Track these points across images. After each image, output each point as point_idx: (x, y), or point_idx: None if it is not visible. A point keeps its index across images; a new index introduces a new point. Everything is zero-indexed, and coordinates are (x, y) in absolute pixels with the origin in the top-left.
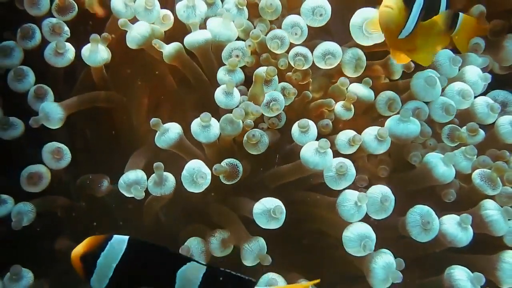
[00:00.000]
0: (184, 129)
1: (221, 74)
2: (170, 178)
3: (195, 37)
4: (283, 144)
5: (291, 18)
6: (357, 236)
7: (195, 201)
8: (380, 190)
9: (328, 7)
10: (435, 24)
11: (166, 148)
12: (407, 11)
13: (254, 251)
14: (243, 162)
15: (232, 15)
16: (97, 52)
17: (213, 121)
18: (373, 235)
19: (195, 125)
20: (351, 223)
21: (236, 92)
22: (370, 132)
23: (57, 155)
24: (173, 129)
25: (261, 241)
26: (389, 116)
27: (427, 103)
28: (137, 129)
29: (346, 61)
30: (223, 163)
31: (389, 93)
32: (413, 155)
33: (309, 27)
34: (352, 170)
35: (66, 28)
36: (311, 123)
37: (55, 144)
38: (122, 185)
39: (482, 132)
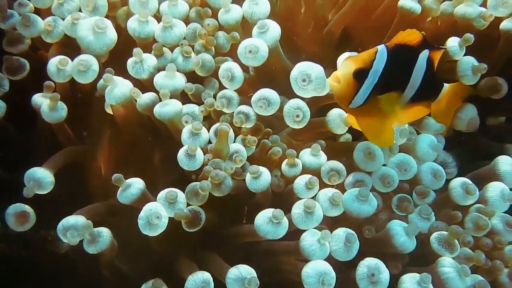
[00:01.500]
0: (151, 181)
1: (185, 136)
2: (104, 232)
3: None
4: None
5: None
6: (316, 272)
7: (162, 254)
8: (345, 231)
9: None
10: (391, 100)
11: (128, 204)
12: (357, 84)
13: None
14: (211, 214)
15: (178, 63)
16: (56, 110)
17: (180, 195)
18: (333, 273)
19: (161, 199)
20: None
21: (199, 154)
22: (326, 193)
23: (22, 218)
24: (135, 185)
25: None
26: None
27: None
28: (106, 181)
29: (285, 112)
30: (186, 209)
31: (332, 164)
32: (366, 228)
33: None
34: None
35: None
36: (262, 169)
37: (20, 207)
38: (59, 228)
39: (432, 193)
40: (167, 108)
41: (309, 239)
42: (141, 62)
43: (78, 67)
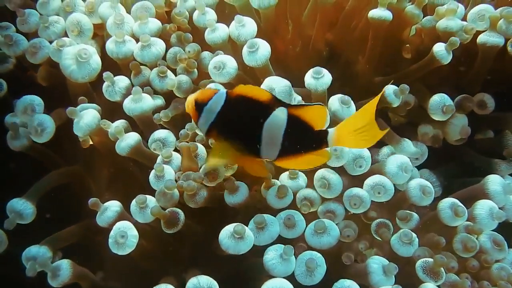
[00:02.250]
0: None
1: (152, 177)
2: (64, 265)
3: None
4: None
5: None
6: None
7: (151, 272)
8: (311, 253)
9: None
10: (222, 147)
11: (107, 227)
12: (197, 113)
13: None
14: (198, 227)
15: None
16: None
17: (149, 199)
18: None
19: (133, 206)
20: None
21: (168, 173)
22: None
23: None
24: (112, 208)
25: None
26: None
27: None
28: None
29: None
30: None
31: (306, 192)
32: (344, 255)
33: None
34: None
35: None
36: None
37: None
38: (23, 256)
39: (415, 216)
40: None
41: (271, 254)
42: (113, 85)
43: None
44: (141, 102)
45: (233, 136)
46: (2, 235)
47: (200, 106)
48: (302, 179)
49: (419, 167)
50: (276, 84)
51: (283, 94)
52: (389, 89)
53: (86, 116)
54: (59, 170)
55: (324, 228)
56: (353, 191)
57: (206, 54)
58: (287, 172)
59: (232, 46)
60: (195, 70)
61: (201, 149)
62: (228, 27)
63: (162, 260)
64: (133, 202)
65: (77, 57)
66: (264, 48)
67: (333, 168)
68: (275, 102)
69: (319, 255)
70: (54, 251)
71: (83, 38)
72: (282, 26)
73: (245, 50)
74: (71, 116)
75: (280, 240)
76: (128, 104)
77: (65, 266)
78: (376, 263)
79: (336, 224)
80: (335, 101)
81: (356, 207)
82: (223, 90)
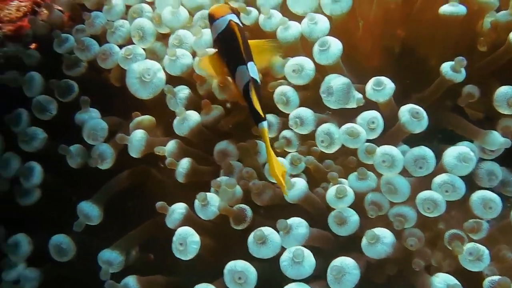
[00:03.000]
0: None
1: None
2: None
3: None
4: None
5: None
6: None
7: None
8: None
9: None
10: None
11: (175, 229)
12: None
13: None
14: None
15: None
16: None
17: (212, 198)
18: None
19: (196, 204)
20: None
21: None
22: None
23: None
24: (177, 210)
25: None
26: None
27: None
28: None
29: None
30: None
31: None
32: (415, 262)
33: None
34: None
35: None
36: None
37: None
38: (98, 258)
39: (485, 225)
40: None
41: (285, 255)
42: (175, 96)
43: None
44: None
45: (224, 58)
46: (69, 243)
47: (211, 20)
48: (373, 179)
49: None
50: (334, 82)
51: (340, 92)
52: (445, 66)
53: (134, 137)
54: (126, 171)
55: (376, 238)
56: (426, 194)
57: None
58: (355, 173)
59: (303, 44)
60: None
61: (261, 145)
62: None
63: (227, 256)
64: (196, 199)
65: (141, 76)
66: (335, 46)
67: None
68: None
69: (349, 261)
70: (127, 251)
71: (145, 43)
72: (352, 23)
73: (316, 48)
74: (121, 142)
75: None
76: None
77: (132, 283)
78: (441, 282)
79: (404, 229)
80: (405, 113)
81: (430, 211)
82: (230, 16)
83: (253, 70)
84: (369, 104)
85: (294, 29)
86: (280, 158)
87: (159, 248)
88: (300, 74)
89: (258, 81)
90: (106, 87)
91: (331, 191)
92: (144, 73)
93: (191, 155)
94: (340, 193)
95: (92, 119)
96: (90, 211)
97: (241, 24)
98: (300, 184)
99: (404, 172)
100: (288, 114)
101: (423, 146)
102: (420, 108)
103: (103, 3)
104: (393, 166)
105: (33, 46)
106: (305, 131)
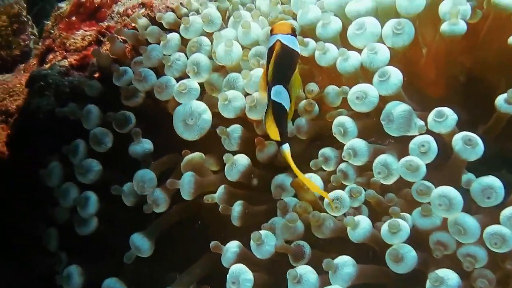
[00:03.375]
0: None
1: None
2: None
3: None
4: None
5: None
6: None
7: None
8: None
9: None
10: None
11: (228, 267)
12: None
13: None
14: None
15: None
16: None
17: (268, 236)
18: None
19: (252, 243)
20: None
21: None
22: None
23: None
24: (230, 249)
25: None
26: None
27: None
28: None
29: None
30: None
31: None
32: None
33: None
34: None
35: None
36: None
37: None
38: None
39: None
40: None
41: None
42: (228, 137)
43: None
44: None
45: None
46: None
47: (270, 34)
48: (438, 216)
49: None
50: (395, 109)
51: (401, 119)
52: (499, 99)
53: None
54: (179, 205)
55: (439, 280)
56: (493, 228)
57: (330, 89)
58: (419, 208)
59: (364, 73)
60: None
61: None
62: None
63: None
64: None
65: (185, 120)
66: (395, 77)
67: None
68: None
69: None
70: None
71: (200, 78)
72: (416, 51)
73: (375, 79)
74: (172, 187)
75: None
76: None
77: None
78: None
79: (472, 271)
80: (458, 141)
81: (497, 246)
82: (281, 36)
83: (278, 93)
84: (432, 134)
85: (353, 59)
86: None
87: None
88: (363, 101)
89: (285, 105)
90: (164, 115)
91: (385, 226)
92: (188, 117)
93: (243, 197)
94: (393, 228)
95: (141, 170)
96: (141, 244)
97: (294, 47)
98: (364, 223)
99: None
100: None
101: (491, 176)
102: (473, 135)
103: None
104: (451, 210)
105: (97, 75)
106: (359, 162)
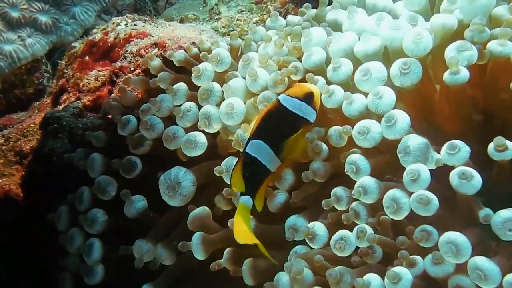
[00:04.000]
0: None
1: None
2: None
3: None
4: None
5: None
6: None
7: None
8: None
9: None
10: None
11: None
12: None
13: None
14: None
15: None
16: None
17: None
18: None
19: None
20: None
21: None
22: None
23: None
24: None
25: None
26: None
27: None
28: None
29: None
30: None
31: None
32: None
33: None
34: None
35: None
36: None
37: None
38: None
39: None
40: None
41: None
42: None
43: None
44: None
45: None
46: None
47: None
48: (450, 263)
49: None
50: (411, 141)
51: (418, 152)
52: (490, 148)
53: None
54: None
55: None
56: None
57: (332, 130)
58: (430, 256)
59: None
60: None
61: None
62: None
63: None
64: None
65: (164, 193)
66: (402, 121)
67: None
68: None
69: None
70: None
71: (211, 130)
72: (428, 86)
73: (382, 124)
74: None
75: None
76: None
77: None
78: None
79: None
80: (454, 177)
81: None
82: (285, 97)
83: (256, 148)
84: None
85: (358, 103)
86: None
87: None
88: (365, 137)
89: (262, 161)
90: (172, 157)
91: (386, 279)
92: (165, 191)
93: (251, 255)
94: (392, 278)
95: (138, 242)
96: None
97: (295, 111)
98: (375, 282)
99: None
100: None
101: (510, 208)
102: (468, 168)
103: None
104: (459, 256)
105: (110, 116)
106: (370, 200)
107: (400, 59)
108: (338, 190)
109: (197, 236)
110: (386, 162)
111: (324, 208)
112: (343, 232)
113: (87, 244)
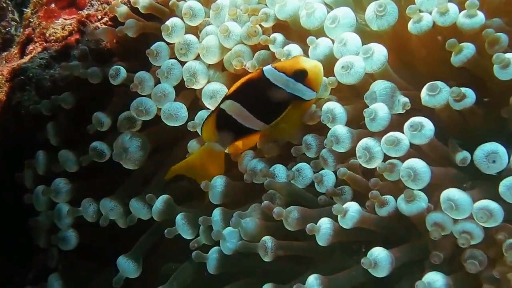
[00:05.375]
0: None
1: None
2: None
3: None
4: None
5: None
6: None
7: None
8: None
9: None
10: None
11: None
12: None
13: None
14: None
15: None
16: None
17: None
18: None
19: None
20: None
21: None
22: None
23: None
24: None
25: None
26: None
27: None
28: None
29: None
30: None
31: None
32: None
33: None
34: None
35: None
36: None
37: None
38: None
39: None
40: None
41: None
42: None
43: None
44: None
45: None
46: None
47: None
48: (423, 200)
49: None
50: (377, 86)
51: (383, 97)
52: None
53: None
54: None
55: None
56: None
57: None
58: (402, 195)
59: None
60: None
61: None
62: None
63: None
64: None
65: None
66: (379, 53)
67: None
68: None
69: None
70: None
71: (198, 86)
72: (404, 28)
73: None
74: None
75: None
76: None
77: None
78: None
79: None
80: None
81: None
82: (269, 69)
83: (228, 106)
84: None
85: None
86: None
87: None
88: (349, 72)
89: (234, 117)
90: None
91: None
92: (115, 158)
93: None
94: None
95: (103, 201)
96: (127, 267)
97: (280, 85)
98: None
99: None
100: None
101: (493, 142)
102: (416, 119)
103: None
104: (417, 181)
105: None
106: (342, 149)
107: (375, 1)
108: (308, 138)
109: (180, 216)
110: (363, 108)
111: (293, 155)
112: (300, 164)
113: (56, 210)
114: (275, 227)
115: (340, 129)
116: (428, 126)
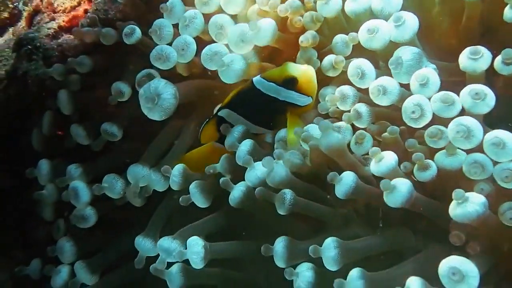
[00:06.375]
0: None
1: None
2: None
3: None
4: None
5: None
6: None
7: None
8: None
9: None
10: None
11: None
12: None
13: None
14: None
15: None
16: None
17: None
18: None
19: None
20: None
21: None
22: None
23: None
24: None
25: None
26: None
27: None
28: None
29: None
30: None
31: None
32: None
33: None
34: None
35: None
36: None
37: None
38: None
39: None
40: None
41: None
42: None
43: None
44: None
45: None
46: None
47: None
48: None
49: None
50: (403, 51)
51: (410, 62)
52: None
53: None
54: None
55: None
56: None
57: (338, 38)
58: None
59: None
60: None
61: None
62: None
63: None
64: None
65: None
66: (411, 21)
67: None
68: None
69: None
70: None
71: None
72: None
73: (390, 25)
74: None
75: None
76: None
77: None
78: None
79: None
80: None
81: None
82: (259, 79)
83: (226, 114)
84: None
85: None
86: None
87: None
88: (375, 35)
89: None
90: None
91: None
92: (144, 103)
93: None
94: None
95: (132, 167)
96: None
97: (272, 94)
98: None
99: None
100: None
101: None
102: (479, 87)
103: None
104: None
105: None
106: (387, 101)
107: None
108: (344, 88)
109: (194, 185)
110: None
111: (327, 105)
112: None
113: (72, 189)
114: (300, 186)
115: (388, 80)
116: (490, 94)
